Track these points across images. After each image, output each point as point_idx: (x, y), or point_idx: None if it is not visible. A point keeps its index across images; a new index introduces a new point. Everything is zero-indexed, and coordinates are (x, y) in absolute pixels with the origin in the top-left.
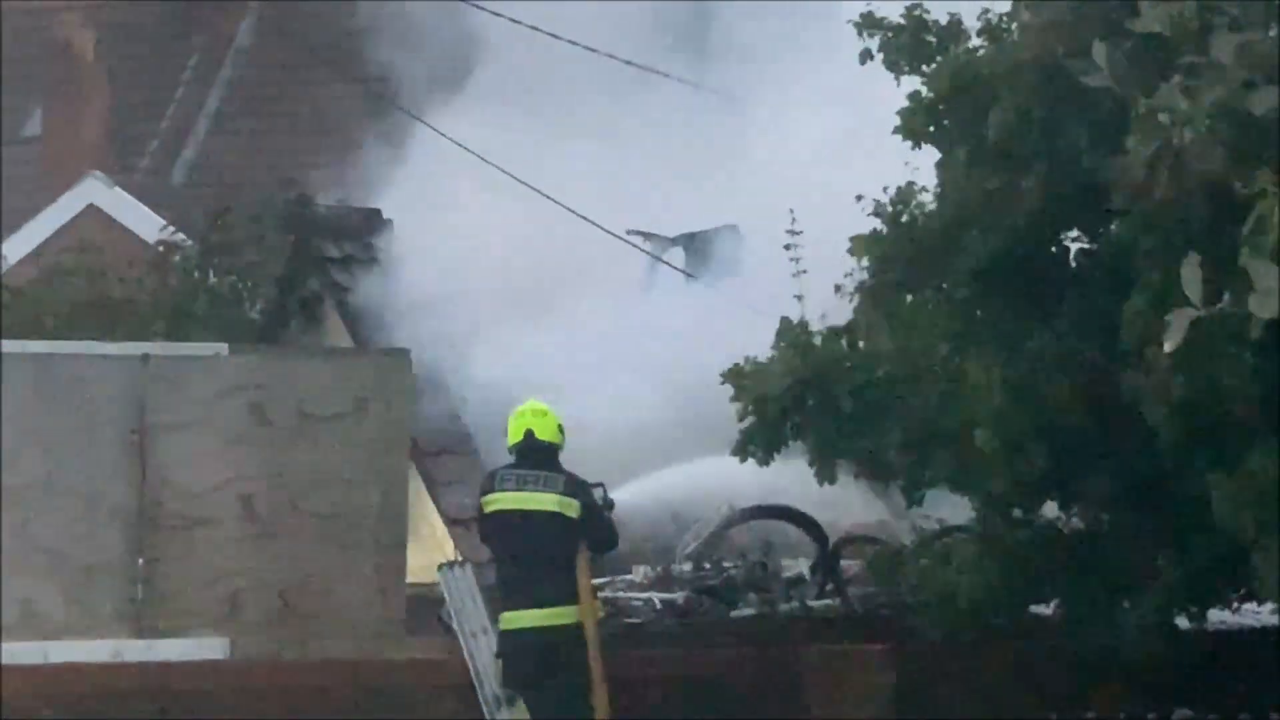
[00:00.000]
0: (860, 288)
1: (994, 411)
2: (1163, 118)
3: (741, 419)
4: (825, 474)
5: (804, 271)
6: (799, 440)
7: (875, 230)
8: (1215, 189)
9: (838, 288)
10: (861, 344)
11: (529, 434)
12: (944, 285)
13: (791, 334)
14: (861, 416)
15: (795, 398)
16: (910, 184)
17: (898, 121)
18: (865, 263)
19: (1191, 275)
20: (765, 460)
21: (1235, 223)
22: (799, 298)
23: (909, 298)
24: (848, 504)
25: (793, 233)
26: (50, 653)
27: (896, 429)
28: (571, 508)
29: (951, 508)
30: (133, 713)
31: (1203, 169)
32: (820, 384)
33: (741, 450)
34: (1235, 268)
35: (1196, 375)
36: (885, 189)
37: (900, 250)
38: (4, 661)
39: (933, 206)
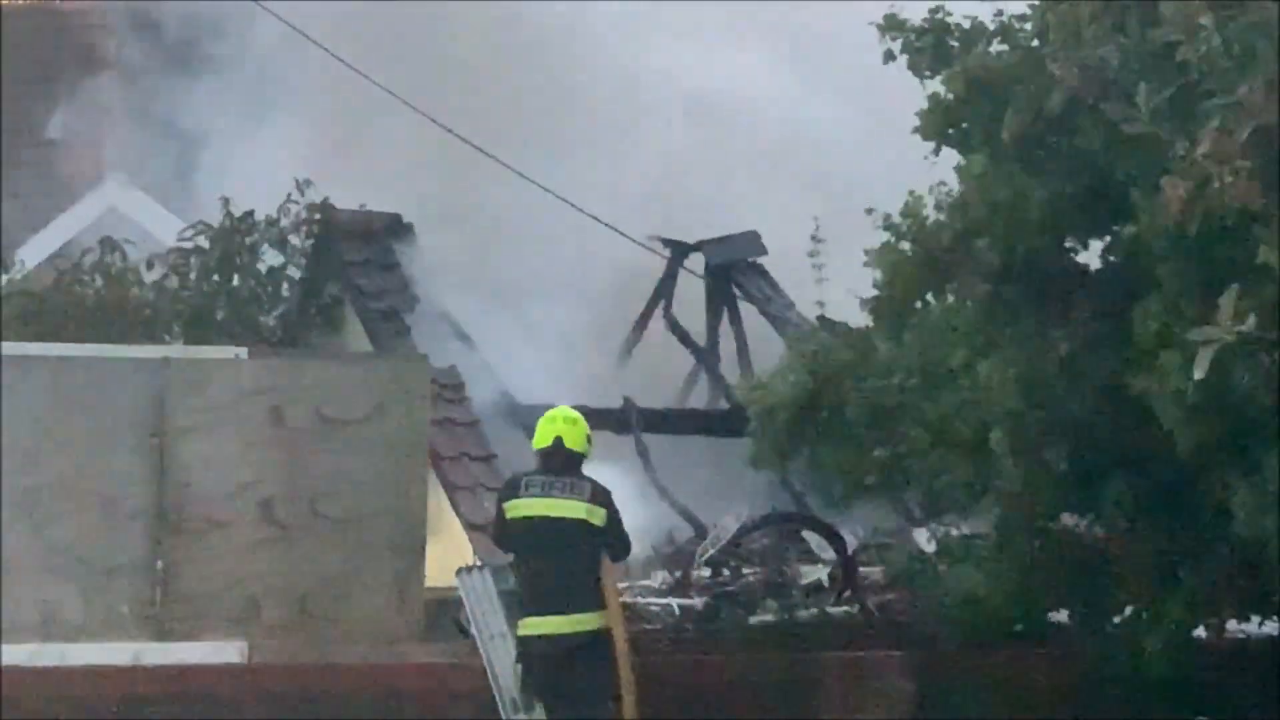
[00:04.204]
0: (868, 302)
1: (1008, 413)
2: (1205, 161)
3: (750, 432)
4: (836, 481)
5: (825, 279)
6: (811, 449)
7: (888, 241)
8: (1248, 219)
9: (861, 303)
10: (875, 347)
11: (558, 441)
12: (957, 291)
13: (802, 342)
14: (874, 424)
15: (803, 407)
16: (918, 197)
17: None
18: (879, 274)
19: (1228, 305)
20: (779, 470)
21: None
22: (821, 304)
23: (922, 304)
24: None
25: (816, 239)
26: (68, 655)
27: (912, 436)
28: (598, 515)
29: (967, 517)
30: (150, 716)
31: (1241, 205)
32: (831, 392)
33: (754, 461)
34: (1261, 290)
35: (1211, 379)
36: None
37: (911, 258)
38: (23, 664)
39: (943, 218)
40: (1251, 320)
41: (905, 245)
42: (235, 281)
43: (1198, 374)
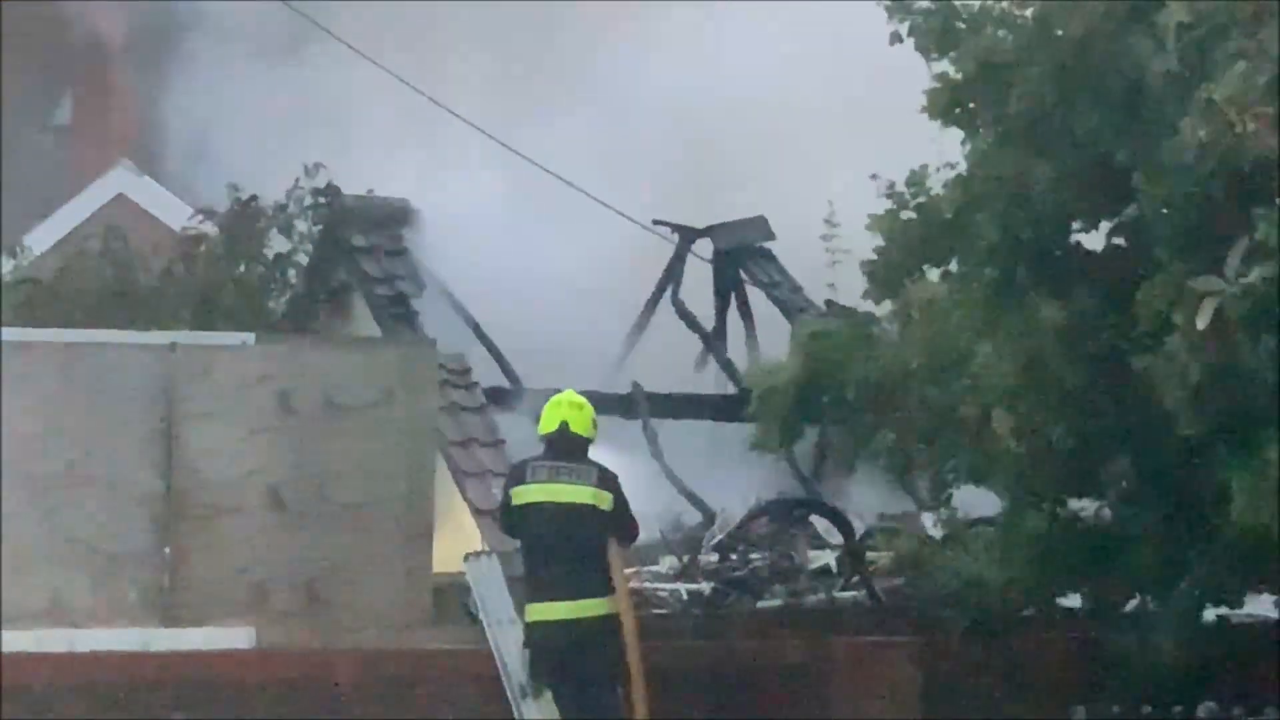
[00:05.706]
0: (865, 265)
1: (1008, 392)
2: (1227, 107)
3: (752, 416)
4: (841, 465)
5: (837, 261)
6: (817, 433)
7: (890, 209)
8: (1261, 168)
9: (861, 265)
10: (876, 331)
11: (564, 425)
12: (958, 267)
13: (805, 325)
14: (875, 407)
15: (802, 390)
16: (924, 166)
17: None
18: (880, 241)
19: (1236, 257)
20: (781, 454)
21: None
22: (831, 286)
23: (919, 276)
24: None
25: (830, 223)
26: (77, 641)
27: (916, 420)
28: (605, 500)
29: (977, 501)
30: (158, 702)
31: (1257, 152)
32: (831, 375)
33: (756, 444)
34: (1263, 245)
35: (1214, 359)
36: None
37: (912, 229)
38: (31, 650)
39: (945, 190)
40: (1256, 273)
41: (908, 215)
42: (243, 267)
43: (1200, 324)
